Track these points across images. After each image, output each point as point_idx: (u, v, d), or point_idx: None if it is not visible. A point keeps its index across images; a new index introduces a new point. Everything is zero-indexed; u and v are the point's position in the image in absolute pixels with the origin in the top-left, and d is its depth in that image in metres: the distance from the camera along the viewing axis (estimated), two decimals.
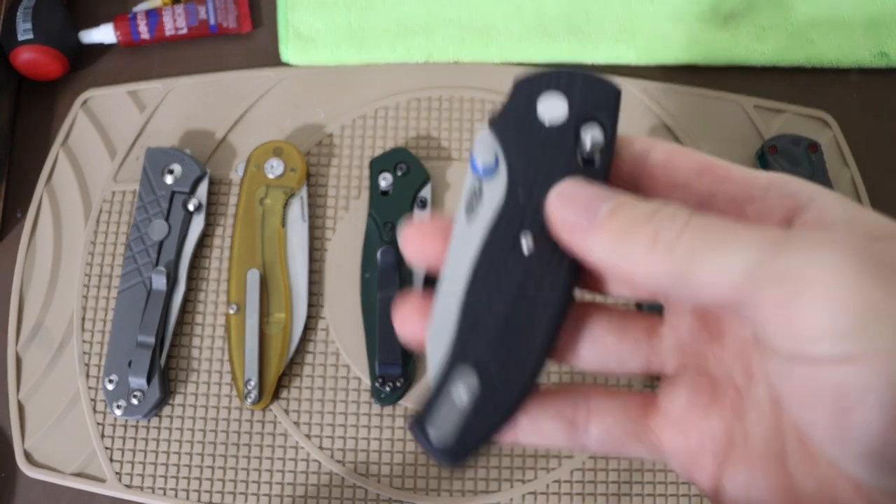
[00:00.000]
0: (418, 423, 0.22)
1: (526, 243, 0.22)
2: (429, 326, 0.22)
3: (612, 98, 0.23)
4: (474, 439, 0.22)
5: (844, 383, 0.17)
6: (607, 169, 0.22)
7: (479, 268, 0.22)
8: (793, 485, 0.21)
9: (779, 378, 0.19)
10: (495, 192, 0.22)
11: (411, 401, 0.48)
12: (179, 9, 0.56)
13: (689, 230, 0.19)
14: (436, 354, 0.22)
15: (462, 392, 0.22)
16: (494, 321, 0.22)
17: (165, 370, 0.48)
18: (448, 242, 0.23)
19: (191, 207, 0.51)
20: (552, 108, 0.23)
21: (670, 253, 0.19)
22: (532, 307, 0.22)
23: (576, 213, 0.21)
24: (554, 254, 0.22)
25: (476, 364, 0.22)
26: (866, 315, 0.17)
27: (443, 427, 0.22)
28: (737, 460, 0.22)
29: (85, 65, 0.57)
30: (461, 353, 0.22)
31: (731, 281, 0.18)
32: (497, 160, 0.23)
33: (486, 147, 0.23)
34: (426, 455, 0.47)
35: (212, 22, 0.57)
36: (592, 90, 0.23)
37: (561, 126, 0.22)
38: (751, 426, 0.22)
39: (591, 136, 0.22)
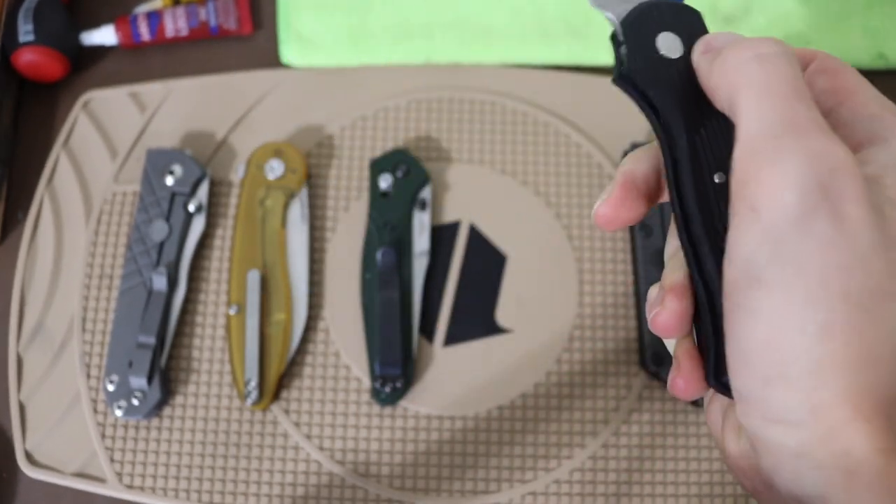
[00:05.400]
0: None
1: (718, 178, 0.24)
2: None
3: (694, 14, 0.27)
4: None
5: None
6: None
7: (699, 205, 0.24)
8: None
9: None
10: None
11: (411, 401, 0.48)
12: (180, 10, 0.57)
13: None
14: None
15: None
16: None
17: (166, 371, 0.48)
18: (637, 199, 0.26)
19: (191, 208, 0.51)
20: (671, 45, 0.26)
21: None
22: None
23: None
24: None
25: None
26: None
27: None
28: None
29: (86, 66, 0.57)
30: None
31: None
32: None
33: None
34: None
35: (212, 23, 0.57)
36: (681, 16, 0.27)
37: (681, 56, 0.26)
38: None
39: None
